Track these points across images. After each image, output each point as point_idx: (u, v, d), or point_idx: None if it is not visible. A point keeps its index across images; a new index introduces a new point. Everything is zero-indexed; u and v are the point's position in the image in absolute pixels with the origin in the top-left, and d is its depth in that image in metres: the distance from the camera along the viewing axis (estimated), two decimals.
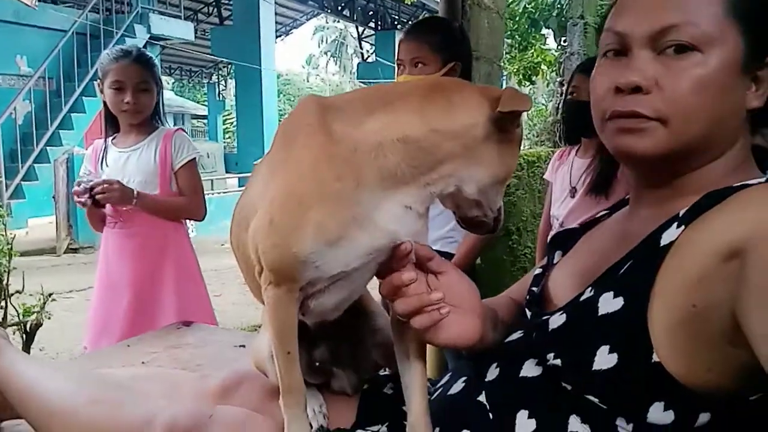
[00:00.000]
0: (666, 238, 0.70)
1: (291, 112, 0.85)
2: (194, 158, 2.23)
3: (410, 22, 17.16)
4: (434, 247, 0.89)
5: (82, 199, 2.06)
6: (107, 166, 2.18)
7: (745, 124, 0.77)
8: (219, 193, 10.61)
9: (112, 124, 2.23)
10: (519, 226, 4.17)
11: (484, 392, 0.81)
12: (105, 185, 2.04)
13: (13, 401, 1.03)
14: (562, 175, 2.27)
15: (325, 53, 37.34)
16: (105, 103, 2.19)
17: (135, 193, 2.09)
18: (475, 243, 2.06)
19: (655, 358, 0.66)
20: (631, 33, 0.76)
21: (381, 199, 0.76)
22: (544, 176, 2.50)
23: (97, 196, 2.04)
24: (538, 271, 0.97)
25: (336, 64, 37.29)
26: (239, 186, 12.10)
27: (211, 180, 12.02)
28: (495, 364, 0.83)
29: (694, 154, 0.76)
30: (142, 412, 0.92)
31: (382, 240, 0.77)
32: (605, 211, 0.97)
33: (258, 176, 0.86)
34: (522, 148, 0.91)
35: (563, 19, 7.59)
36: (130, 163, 2.19)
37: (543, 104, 10.85)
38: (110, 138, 2.24)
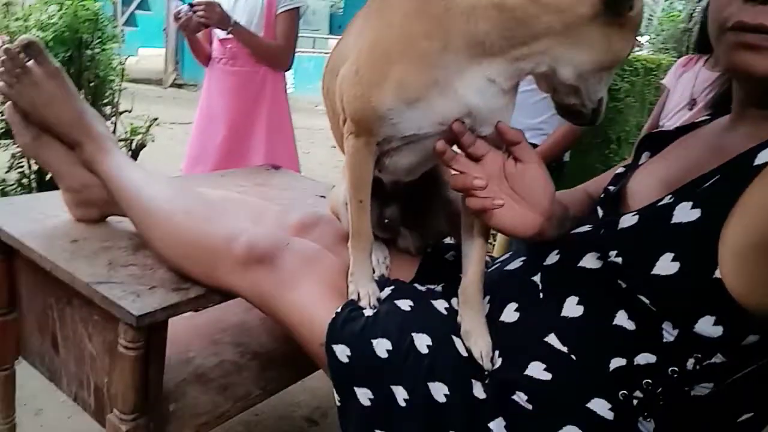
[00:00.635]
0: (761, 159, 0.67)
1: None
2: (297, 8, 2.24)
3: None
4: None
5: (182, 17, 2.13)
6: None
7: None
8: (320, 52, 10.53)
9: None
10: (620, 135, 3.95)
11: (539, 273, 0.83)
12: (206, 6, 2.10)
13: (118, 199, 1.16)
14: (684, 84, 2.11)
15: None
16: None
17: (232, 21, 2.14)
18: (562, 139, 2.01)
19: (716, 274, 0.65)
20: None
21: (466, 67, 0.74)
22: (662, 81, 2.32)
23: (197, 14, 2.11)
24: (620, 170, 0.94)
25: None
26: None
27: (314, 39, 11.89)
28: (556, 251, 0.84)
29: None
30: (229, 228, 1.01)
31: (458, 109, 0.76)
32: (705, 117, 0.92)
33: (354, 25, 0.87)
34: (643, 52, 0.85)
35: None
36: (239, 4, 2.23)
37: (678, 10, 9.86)
38: None
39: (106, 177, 1.17)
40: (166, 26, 8.50)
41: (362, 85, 0.78)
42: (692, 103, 2.00)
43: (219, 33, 2.25)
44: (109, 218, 1.28)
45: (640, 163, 0.93)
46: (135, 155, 2.99)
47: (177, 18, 2.16)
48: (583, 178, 1.14)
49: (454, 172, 0.83)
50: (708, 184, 0.71)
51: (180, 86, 8.67)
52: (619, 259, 0.74)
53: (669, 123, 2.06)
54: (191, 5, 2.12)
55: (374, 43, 0.78)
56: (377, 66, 0.76)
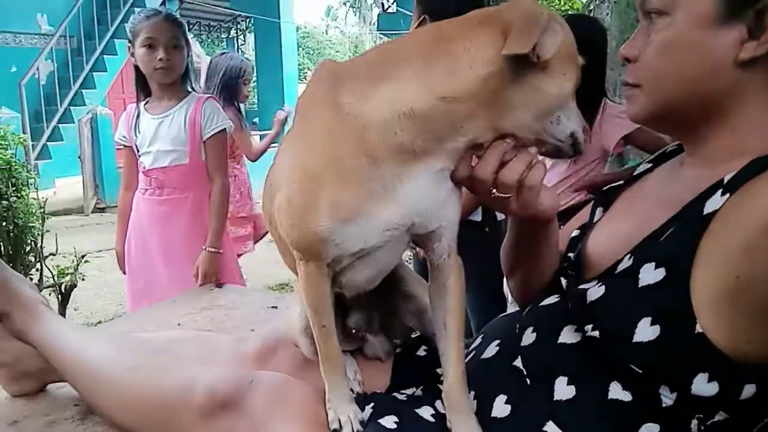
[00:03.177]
0: (710, 207, 0.68)
1: (307, 83, 0.83)
2: (224, 129, 2.21)
3: None
4: None
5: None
6: (140, 132, 2.19)
7: (753, 77, 0.73)
8: None
9: (143, 88, 2.22)
10: None
11: (520, 357, 0.81)
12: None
13: (57, 366, 1.07)
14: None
15: (344, 4, 36.60)
16: (136, 67, 2.18)
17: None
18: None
19: (698, 328, 0.65)
20: (637, 4, 0.80)
21: (401, 171, 0.72)
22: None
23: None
24: (576, 233, 0.94)
25: (356, 15, 36.58)
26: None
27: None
28: (531, 329, 0.82)
29: (685, 113, 0.77)
30: (183, 377, 0.94)
31: (403, 212, 0.74)
32: (648, 164, 0.94)
33: (283, 150, 0.85)
34: None
35: None
36: (161, 130, 2.18)
37: None
38: (142, 103, 2.23)
39: (41, 344, 1.08)
40: (81, 153, 8.37)
41: (297, 213, 0.75)
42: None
43: (144, 164, 2.19)
44: (49, 386, 1.17)
45: (595, 220, 0.93)
46: (66, 298, 2.84)
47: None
48: None
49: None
50: (664, 238, 0.71)
51: (102, 210, 8.46)
52: (596, 333, 0.73)
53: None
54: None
55: (301, 169, 0.76)
56: (309, 192, 0.74)
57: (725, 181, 0.69)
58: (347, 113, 0.72)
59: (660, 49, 0.75)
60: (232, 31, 22.49)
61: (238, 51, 22.31)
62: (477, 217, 1.97)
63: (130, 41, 2.16)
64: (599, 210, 0.94)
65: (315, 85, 0.79)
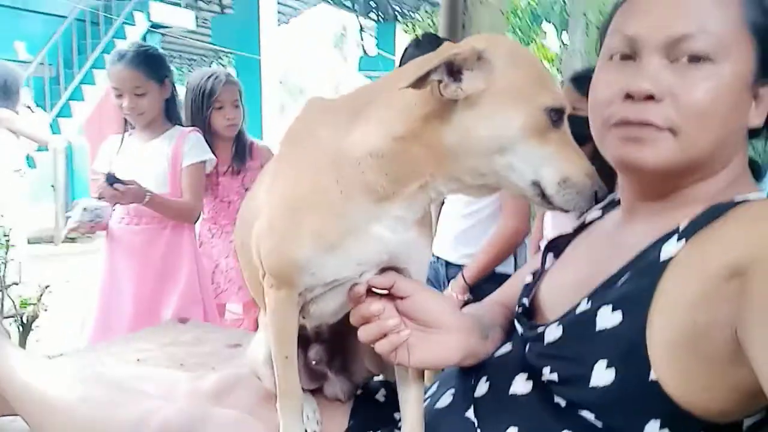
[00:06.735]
0: (666, 253, 0.68)
1: (295, 117, 0.85)
2: (203, 161, 2.20)
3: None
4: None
5: (104, 190, 2.01)
6: (120, 162, 2.17)
7: (744, 140, 0.77)
8: None
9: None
10: None
11: (472, 408, 0.80)
12: (128, 185, 2.00)
13: (8, 397, 1.03)
14: None
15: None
16: None
17: (147, 195, 2.06)
18: (487, 261, 2.00)
19: (652, 376, 0.64)
20: (645, 38, 0.73)
21: (372, 211, 0.74)
22: None
23: (113, 192, 2.00)
24: (528, 279, 0.94)
25: (339, 54, 37.04)
26: None
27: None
28: (485, 378, 0.82)
29: (700, 168, 0.74)
30: (137, 411, 0.92)
31: (375, 251, 0.77)
32: (598, 212, 0.94)
33: (263, 180, 0.87)
34: None
35: (565, 15, 7.56)
36: (143, 159, 2.18)
37: None
38: (126, 132, 2.22)
39: None
40: (54, 181, 8.25)
41: (277, 238, 0.77)
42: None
43: None
44: (1, 419, 1.13)
45: (546, 267, 0.93)
46: (27, 329, 2.77)
47: (99, 188, 2.04)
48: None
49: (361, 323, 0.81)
50: (621, 283, 0.71)
51: (73, 240, 8.30)
52: (554, 375, 0.72)
53: (548, 233, 2.08)
54: (111, 183, 2.01)
55: (284, 197, 0.78)
56: (290, 219, 0.76)
57: (681, 227, 0.69)
58: (328, 147, 0.74)
59: (714, 96, 0.70)
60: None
61: None
62: (509, 268, 1.98)
63: None
64: (550, 256, 0.95)
65: (302, 119, 0.82)
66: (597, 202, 0.72)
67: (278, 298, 0.80)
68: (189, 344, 1.58)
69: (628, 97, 0.73)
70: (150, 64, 2.16)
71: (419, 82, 0.66)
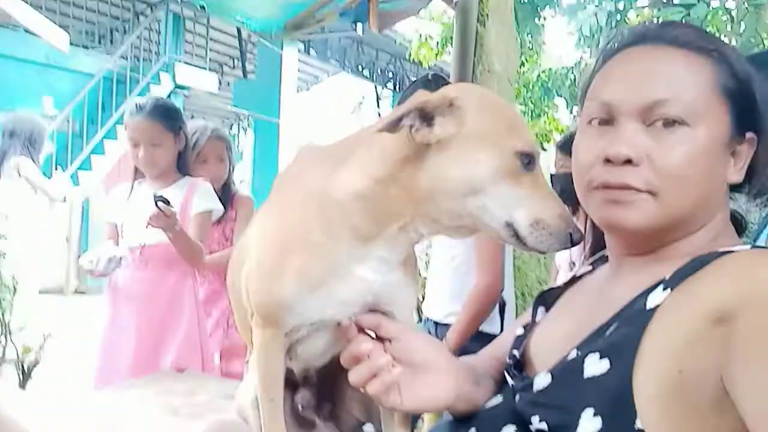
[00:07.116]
0: (652, 302, 0.69)
1: (288, 164, 0.89)
2: (210, 211, 2.23)
3: None
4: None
5: (155, 214, 1.99)
6: (130, 208, 2.21)
7: (725, 196, 0.79)
8: None
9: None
10: (524, 290, 4.10)
11: None
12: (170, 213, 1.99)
13: None
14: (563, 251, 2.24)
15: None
16: None
17: (177, 225, 2.05)
18: (468, 321, 1.99)
19: (638, 424, 0.64)
20: (620, 104, 0.75)
21: (354, 252, 0.77)
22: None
23: (161, 214, 1.97)
24: (520, 331, 0.95)
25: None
26: None
27: None
28: (474, 430, 0.81)
29: (682, 225, 0.76)
30: None
31: (359, 291, 0.78)
32: (588, 267, 0.96)
33: (256, 221, 0.89)
34: None
35: (575, 89, 7.76)
36: (152, 208, 2.21)
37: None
38: (136, 180, 2.27)
39: None
40: (69, 233, 8.36)
41: (265, 277, 0.79)
42: (572, 265, 2.11)
43: (129, 240, 2.19)
44: None
45: (537, 320, 0.94)
46: (27, 375, 2.76)
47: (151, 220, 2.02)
48: None
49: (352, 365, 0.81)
50: (609, 333, 0.72)
51: (83, 293, 8.33)
52: (544, 425, 0.71)
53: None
54: (159, 202, 1.99)
55: (273, 236, 0.81)
56: (278, 258, 0.78)
57: (666, 277, 0.70)
58: (315, 190, 0.77)
59: (688, 159, 0.72)
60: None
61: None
62: (495, 328, 1.96)
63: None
64: (541, 310, 0.95)
65: (293, 164, 0.86)
66: (573, 244, 0.74)
67: (265, 337, 0.81)
68: (184, 394, 1.58)
69: (608, 161, 0.75)
70: (167, 116, 2.22)
71: (392, 126, 0.70)
